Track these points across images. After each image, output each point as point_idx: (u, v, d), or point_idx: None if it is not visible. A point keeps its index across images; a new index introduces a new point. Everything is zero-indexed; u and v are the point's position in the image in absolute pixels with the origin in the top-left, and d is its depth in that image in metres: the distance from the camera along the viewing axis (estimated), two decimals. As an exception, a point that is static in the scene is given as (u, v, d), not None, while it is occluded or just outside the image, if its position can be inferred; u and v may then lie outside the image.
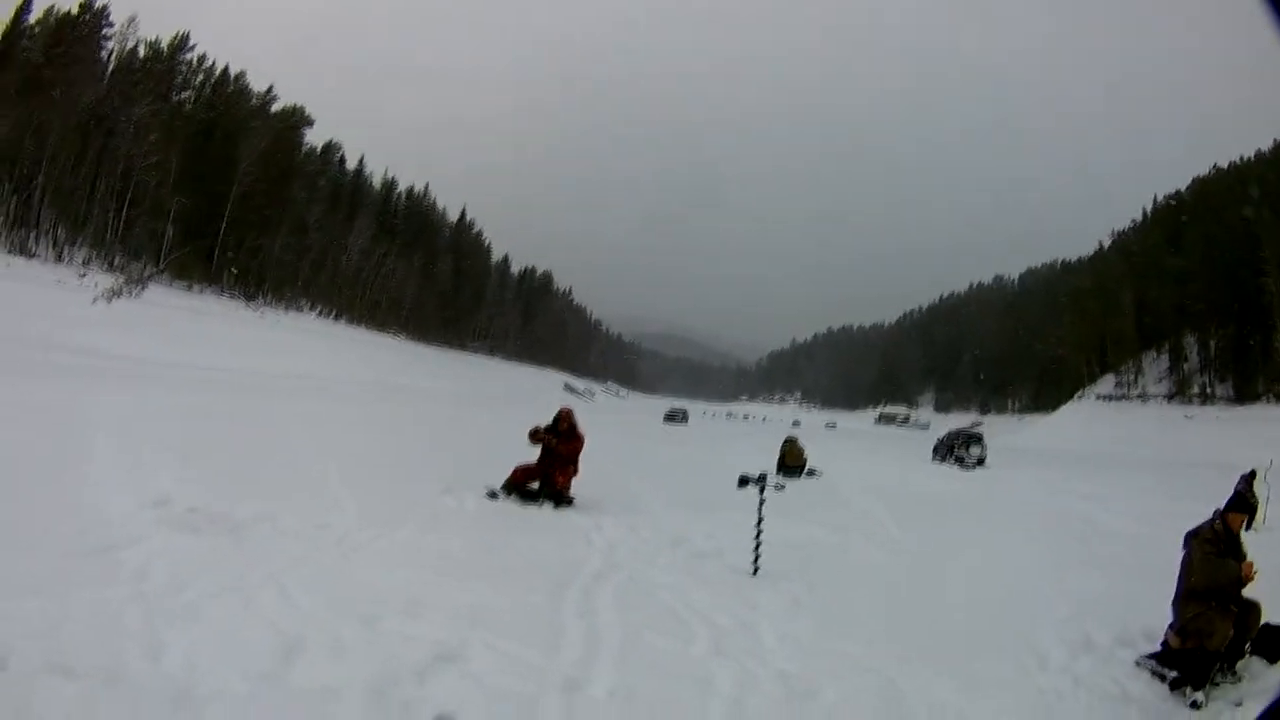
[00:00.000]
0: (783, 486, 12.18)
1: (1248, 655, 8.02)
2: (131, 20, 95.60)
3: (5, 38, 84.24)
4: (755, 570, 10.71)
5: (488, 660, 6.39)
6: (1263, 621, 7.92)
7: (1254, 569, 7.72)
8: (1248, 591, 7.83)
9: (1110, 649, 8.55)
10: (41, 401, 20.07)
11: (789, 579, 10.57)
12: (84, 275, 72.91)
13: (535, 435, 15.06)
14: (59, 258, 76.60)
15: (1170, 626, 8.02)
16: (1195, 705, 7.28)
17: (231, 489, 11.40)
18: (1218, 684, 7.65)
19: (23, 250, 73.58)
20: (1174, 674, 7.60)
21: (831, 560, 12.46)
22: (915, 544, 14.67)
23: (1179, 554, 8.14)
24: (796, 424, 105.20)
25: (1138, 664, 8.06)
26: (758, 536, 10.88)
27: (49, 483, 10.61)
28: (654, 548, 11.82)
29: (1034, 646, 8.56)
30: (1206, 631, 7.55)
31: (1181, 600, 7.94)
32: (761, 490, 11.41)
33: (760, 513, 11.07)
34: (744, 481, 11.72)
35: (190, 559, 8.03)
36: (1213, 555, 7.81)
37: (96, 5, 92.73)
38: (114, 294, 70.28)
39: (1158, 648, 8.12)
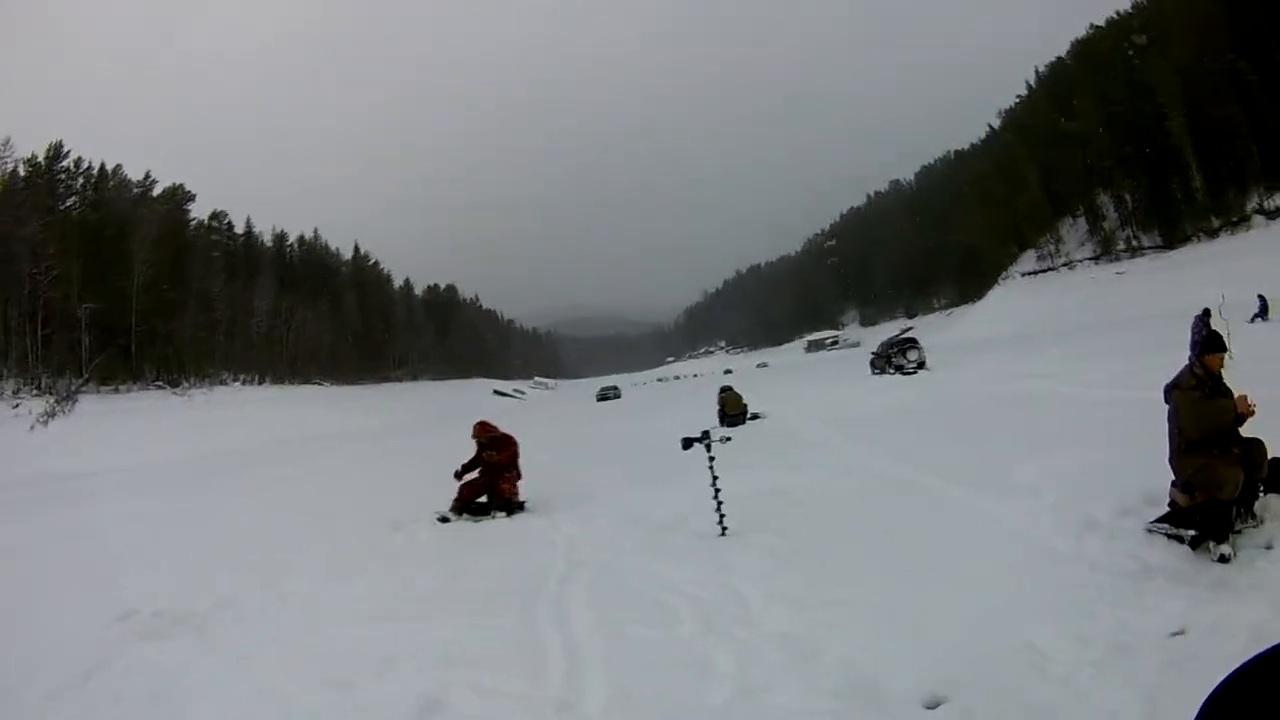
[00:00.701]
0: (729, 439, 12.11)
1: (1262, 494, 7.62)
2: (6, 142, 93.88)
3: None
4: (723, 531, 10.41)
5: (473, 702, 6.15)
6: (1270, 456, 7.51)
7: (1250, 403, 7.32)
8: (1246, 429, 7.44)
9: (1114, 523, 8.05)
10: None
11: (760, 532, 10.25)
12: (17, 406, 71.78)
13: (462, 473, 14.88)
14: (-10, 394, 74.89)
15: (1173, 485, 7.62)
16: (1224, 559, 6.85)
17: (191, 583, 11.04)
18: (1239, 531, 7.24)
19: (-51, 392, 71.93)
20: (1191, 533, 7.14)
21: (798, 502, 12.02)
22: (880, 464, 14.12)
23: (1159, 412, 7.79)
24: (728, 372, 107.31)
25: (1149, 530, 7.61)
26: (716, 495, 10.59)
27: (14, 621, 10.31)
28: (614, 533, 11.58)
29: (1036, 538, 8.24)
30: (1215, 482, 7.08)
31: (1179, 455, 7.51)
32: (708, 448, 11.13)
33: (713, 470, 10.77)
34: (688, 443, 11.45)
35: (162, 667, 7.76)
36: (1202, 400, 7.40)
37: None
38: (49, 416, 69.53)
39: (1165, 510, 7.71)
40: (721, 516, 10.49)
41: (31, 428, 65.84)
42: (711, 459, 10.94)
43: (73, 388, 79.89)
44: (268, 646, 8.01)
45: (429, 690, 6.34)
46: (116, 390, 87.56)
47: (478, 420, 15.72)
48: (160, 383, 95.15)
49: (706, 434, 11.44)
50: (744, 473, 12.58)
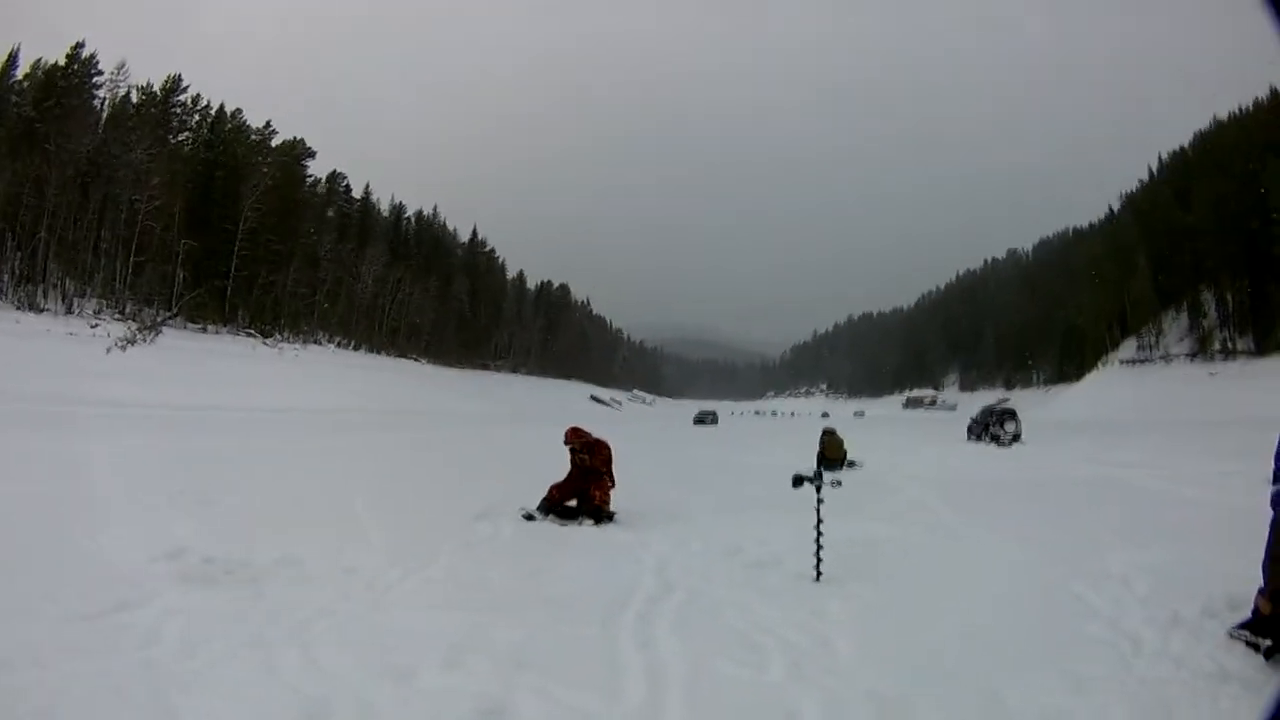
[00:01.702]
0: (839, 483, 11.65)
1: None
2: (121, 66, 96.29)
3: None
4: (818, 576, 9.95)
5: (539, 712, 5.72)
6: None
7: None
8: None
9: (1199, 622, 7.86)
10: (46, 454, 19.90)
11: (855, 581, 9.83)
12: (95, 326, 73.35)
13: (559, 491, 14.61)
14: (69, 310, 77.09)
15: (1260, 592, 7.22)
16: None
17: (252, 534, 10.88)
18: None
19: (31, 306, 74.08)
20: (1268, 642, 6.87)
21: (894, 557, 11.71)
22: (976, 531, 13.96)
23: (1244, 516, 7.84)
24: (825, 416, 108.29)
25: (1231, 635, 7.31)
26: (818, 539, 10.15)
27: (52, 540, 10.12)
28: (707, 561, 11.07)
29: (1124, 630, 7.87)
30: None
31: (1273, 562, 7.10)
32: (819, 489, 10.66)
33: (819, 513, 10.33)
34: (799, 481, 10.95)
35: (206, 616, 7.41)
36: None
37: (84, 55, 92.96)
38: (128, 342, 70.62)
39: (1248, 616, 7.35)
40: (819, 560, 10.10)
41: (108, 351, 66.79)
42: (820, 501, 10.53)
43: (159, 318, 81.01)
44: (324, 616, 7.63)
45: (494, 692, 5.93)
46: (204, 330, 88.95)
47: (570, 427, 15.41)
48: (251, 331, 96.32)
49: (820, 474, 10.97)
50: (840, 518, 12.09)
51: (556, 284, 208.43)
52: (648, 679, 6.46)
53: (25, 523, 10.98)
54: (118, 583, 8.22)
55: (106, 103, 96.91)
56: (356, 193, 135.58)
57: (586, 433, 15.04)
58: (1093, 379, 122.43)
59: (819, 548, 10.11)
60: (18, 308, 72.71)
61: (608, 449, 14.81)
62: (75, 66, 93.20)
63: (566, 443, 14.83)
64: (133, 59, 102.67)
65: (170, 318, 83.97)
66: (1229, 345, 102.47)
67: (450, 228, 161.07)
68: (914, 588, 9.88)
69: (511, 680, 6.16)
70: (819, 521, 10.25)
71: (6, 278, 75.42)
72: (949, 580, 10.36)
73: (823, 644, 7.47)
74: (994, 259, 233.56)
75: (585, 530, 13.44)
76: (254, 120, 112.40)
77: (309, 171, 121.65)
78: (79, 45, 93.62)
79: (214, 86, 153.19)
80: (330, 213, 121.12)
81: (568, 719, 5.68)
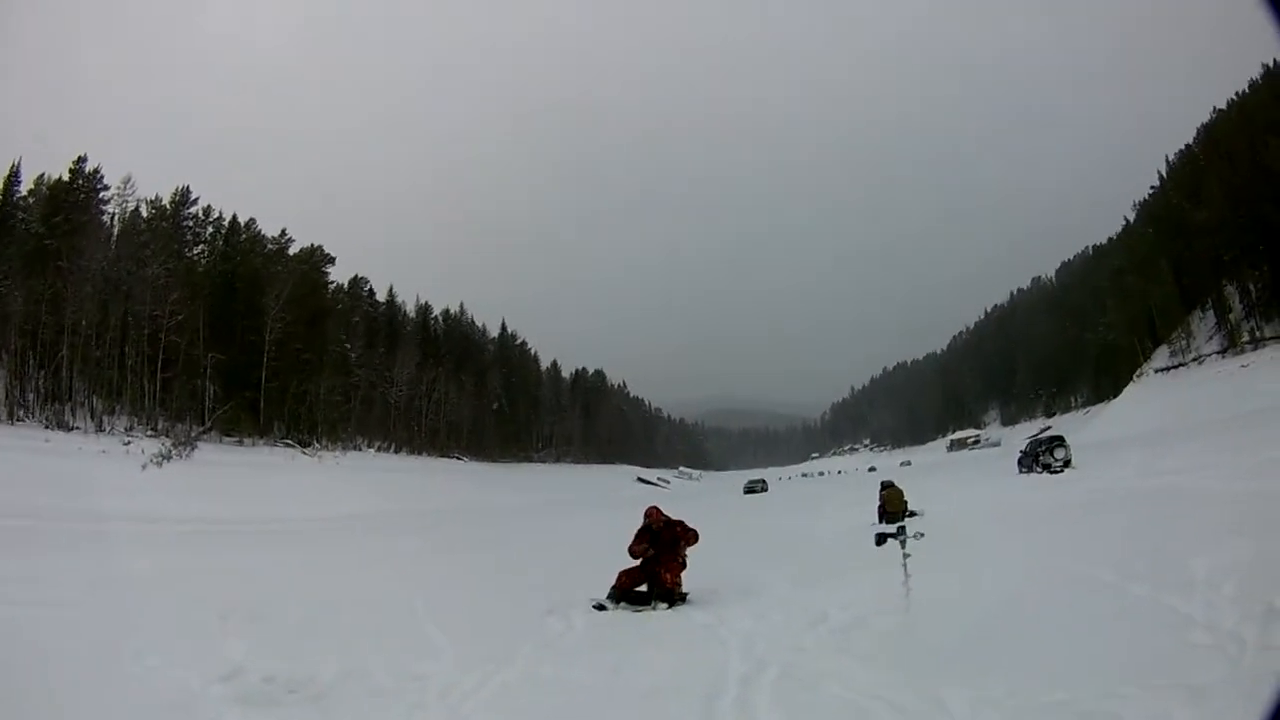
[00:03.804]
0: (921, 534, 11.32)
1: None
2: (128, 180, 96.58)
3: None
4: (912, 633, 9.66)
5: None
6: None
7: None
8: None
9: None
10: (87, 574, 19.67)
11: (952, 635, 9.48)
12: (128, 444, 73.35)
13: (638, 552, 14.35)
14: (99, 428, 76.93)
15: None
16: None
17: (311, 647, 10.52)
18: None
19: (60, 424, 73.96)
20: None
21: (980, 603, 11.30)
22: (1053, 562, 13.60)
23: None
24: (873, 470, 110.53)
25: None
26: (908, 595, 10.15)
27: (98, 665, 9.71)
28: (793, 632, 10.61)
29: (1224, 631, 7.87)
30: None
31: None
32: (904, 545, 10.74)
33: (906, 569, 10.38)
34: (882, 539, 11.16)
35: (270, 741, 6.99)
36: None
37: (87, 169, 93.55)
38: (164, 458, 70.66)
39: None
40: (911, 617, 9.94)
41: (144, 467, 66.85)
42: (906, 555, 10.61)
43: (194, 433, 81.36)
44: (400, 732, 7.20)
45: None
46: (240, 442, 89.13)
47: (651, 506, 15.26)
48: (289, 440, 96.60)
49: (903, 529, 11.10)
50: (917, 570, 11.73)
51: (592, 370, 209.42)
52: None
53: (69, 647, 10.58)
54: (172, 710, 7.89)
55: (116, 218, 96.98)
56: (380, 295, 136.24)
57: (662, 512, 14.92)
58: (1129, 393, 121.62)
59: (909, 605, 10.06)
60: (46, 426, 72.82)
61: (683, 527, 14.66)
62: (80, 182, 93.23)
63: (647, 521, 14.64)
64: (132, 168, 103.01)
65: (204, 432, 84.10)
66: (1256, 334, 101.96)
67: (479, 324, 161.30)
68: (1008, 630, 9.55)
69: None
70: (907, 576, 10.28)
71: (33, 396, 75.56)
72: (1042, 617, 10.06)
73: (936, 705, 7.15)
74: (1019, 289, 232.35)
75: (661, 615, 13.10)
76: (268, 229, 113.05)
77: (330, 278, 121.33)
78: (81, 159, 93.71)
79: (216, 195, 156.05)
80: (356, 318, 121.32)
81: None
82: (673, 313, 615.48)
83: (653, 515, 14.70)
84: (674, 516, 14.94)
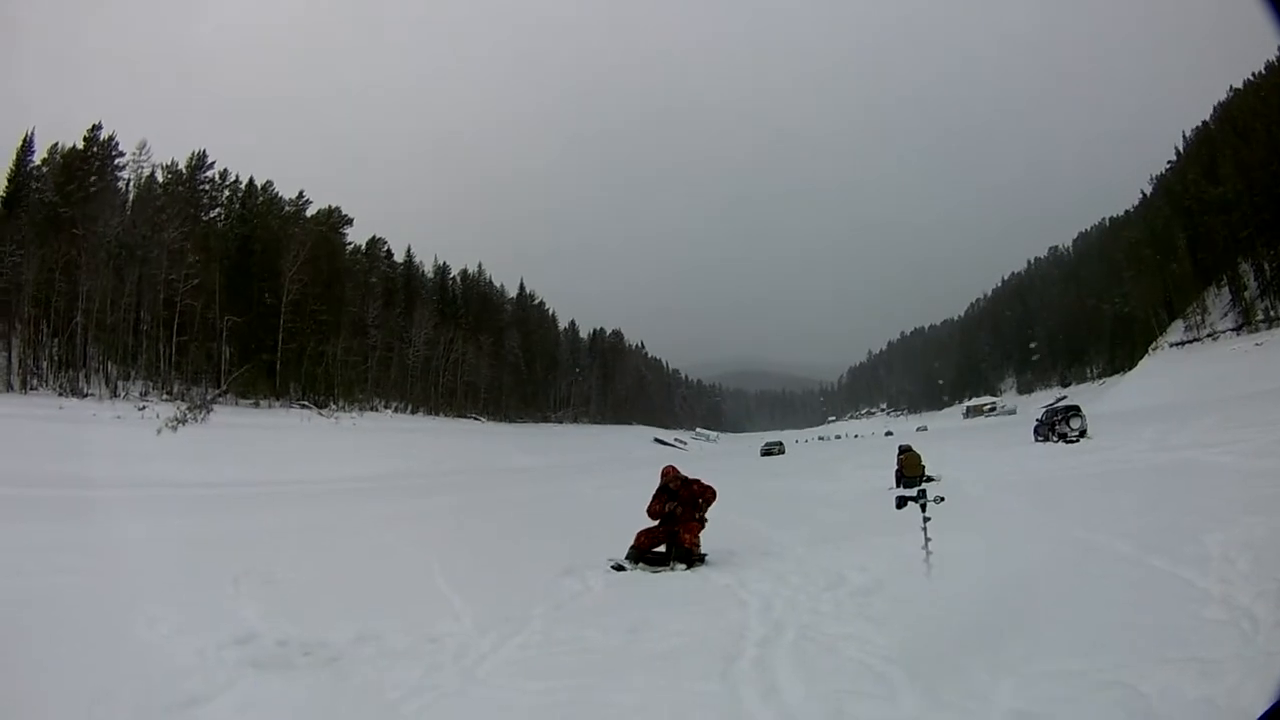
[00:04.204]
0: (942, 499, 11.25)
1: None
2: (143, 146, 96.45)
3: (11, 181, 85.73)
4: (930, 597, 9.60)
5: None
6: None
7: None
8: None
9: None
10: (101, 541, 19.79)
11: (969, 601, 9.46)
12: (143, 408, 73.61)
13: (656, 511, 14.42)
14: (114, 394, 77.25)
15: None
16: None
17: (325, 610, 10.46)
18: None
19: (74, 391, 74.17)
20: None
21: (997, 569, 11.26)
22: (1069, 531, 13.51)
23: None
24: (889, 434, 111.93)
25: None
26: (928, 559, 10.11)
27: (111, 632, 9.62)
28: (811, 594, 10.57)
29: (1239, 607, 7.85)
30: None
31: None
32: (924, 508, 10.66)
33: (926, 533, 10.33)
34: (903, 502, 10.96)
35: (286, 705, 7.00)
36: None
37: (101, 137, 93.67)
38: (179, 422, 70.98)
39: None
40: (930, 580, 9.93)
41: (159, 431, 67.12)
42: (927, 519, 10.55)
43: (209, 396, 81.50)
44: (417, 695, 7.18)
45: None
46: (256, 405, 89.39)
47: (667, 466, 15.34)
48: (305, 402, 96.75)
49: (923, 493, 10.99)
50: (935, 535, 11.67)
51: (610, 330, 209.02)
52: (782, 732, 6.00)
53: (82, 614, 10.53)
54: (186, 675, 7.74)
55: (131, 184, 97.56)
56: (398, 256, 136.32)
57: (680, 472, 14.96)
58: (1144, 366, 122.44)
59: (930, 568, 10.04)
60: (60, 394, 73.12)
61: (701, 485, 14.71)
62: (95, 149, 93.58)
63: (664, 482, 14.66)
64: (148, 134, 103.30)
65: (220, 395, 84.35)
66: (1270, 313, 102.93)
67: (497, 284, 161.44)
68: (1024, 598, 9.47)
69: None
70: (927, 540, 10.23)
71: (46, 364, 75.83)
72: (1058, 586, 9.96)
73: (952, 666, 7.07)
74: (1037, 258, 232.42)
75: (679, 576, 13.09)
76: (286, 192, 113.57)
77: (348, 239, 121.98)
78: (96, 127, 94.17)
79: (237, 159, 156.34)
80: (374, 279, 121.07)
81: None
82: (694, 278, 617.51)
83: (669, 474, 14.69)
84: (691, 477, 14.86)
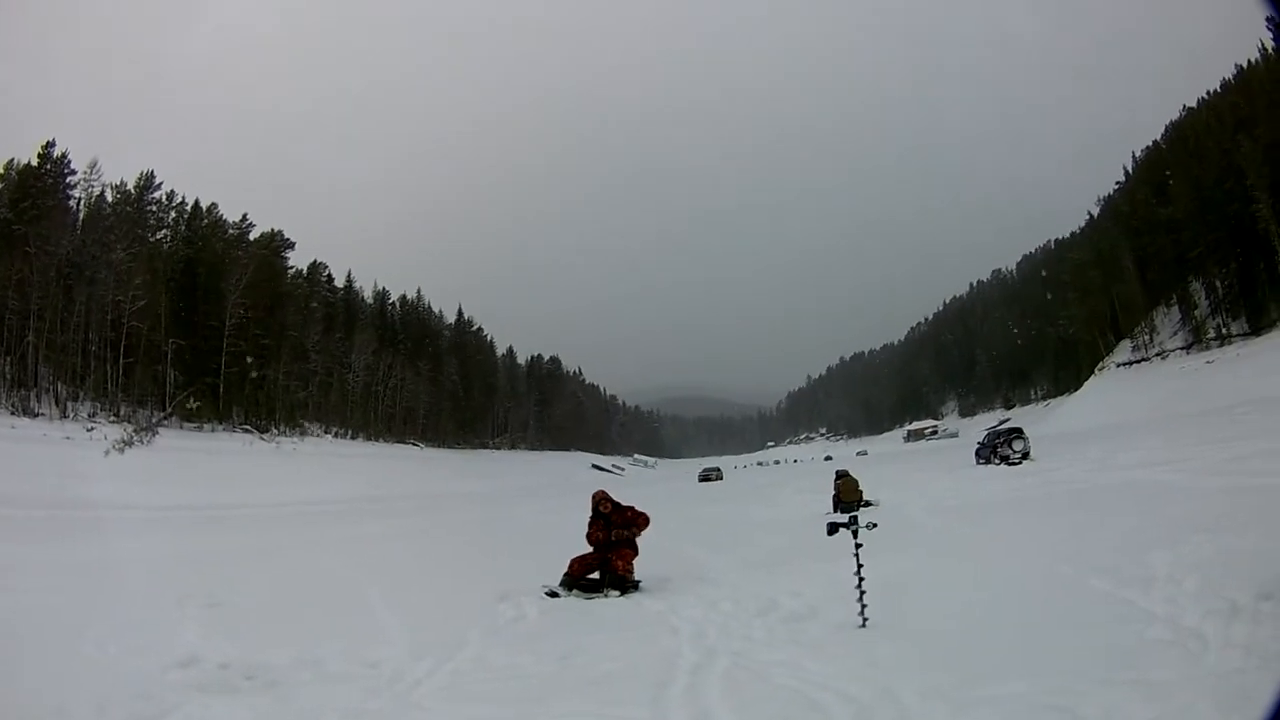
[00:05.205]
0: (874, 525, 11.41)
1: None
2: (94, 165, 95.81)
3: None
4: (863, 623, 9.63)
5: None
6: None
7: None
8: None
9: (1256, 607, 7.80)
10: (47, 561, 19.67)
11: (900, 623, 9.57)
12: (91, 429, 73.28)
13: (596, 538, 14.47)
14: (63, 414, 76.80)
15: None
16: None
17: (266, 634, 10.57)
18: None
19: (25, 411, 73.76)
20: None
21: (934, 593, 11.49)
22: (1011, 553, 13.83)
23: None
24: (829, 459, 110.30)
25: None
26: (859, 585, 9.87)
27: (58, 652, 9.79)
28: (743, 620, 10.69)
29: (1186, 628, 7.78)
30: None
31: None
32: (855, 534, 10.54)
33: (858, 558, 10.17)
34: (834, 528, 10.88)
35: (227, 728, 7.02)
36: None
37: (55, 154, 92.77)
38: (125, 444, 70.40)
39: None
40: (863, 607, 9.77)
41: (106, 453, 66.60)
42: (858, 545, 10.38)
43: (154, 419, 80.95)
44: (352, 718, 7.24)
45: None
46: (200, 429, 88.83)
47: (598, 490, 15.31)
48: (248, 426, 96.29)
49: (855, 519, 10.84)
50: (870, 559, 11.85)
51: (547, 357, 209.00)
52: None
53: (29, 634, 10.65)
54: (132, 697, 7.80)
55: (82, 202, 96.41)
56: (339, 281, 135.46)
57: (612, 497, 14.98)
58: (1090, 386, 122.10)
59: (862, 594, 9.86)
60: (12, 413, 72.57)
61: (634, 512, 14.71)
62: (48, 166, 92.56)
63: (596, 506, 14.71)
64: (98, 151, 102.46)
65: (165, 418, 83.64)
66: (1223, 331, 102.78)
67: (435, 310, 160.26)
68: (961, 623, 9.56)
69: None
70: (859, 567, 10.07)
71: (-1, 383, 75.03)
72: (997, 610, 10.10)
73: (885, 694, 7.09)
74: (980, 281, 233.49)
75: (613, 602, 13.15)
76: (230, 214, 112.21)
77: (289, 263, 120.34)
78: (50, 144, 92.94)
79: (181, 179, 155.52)
80: (314, 304, 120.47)
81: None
82: (630, 301, 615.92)
83: (599, 497, 14.78)
84: (624, 503, 14.93)
